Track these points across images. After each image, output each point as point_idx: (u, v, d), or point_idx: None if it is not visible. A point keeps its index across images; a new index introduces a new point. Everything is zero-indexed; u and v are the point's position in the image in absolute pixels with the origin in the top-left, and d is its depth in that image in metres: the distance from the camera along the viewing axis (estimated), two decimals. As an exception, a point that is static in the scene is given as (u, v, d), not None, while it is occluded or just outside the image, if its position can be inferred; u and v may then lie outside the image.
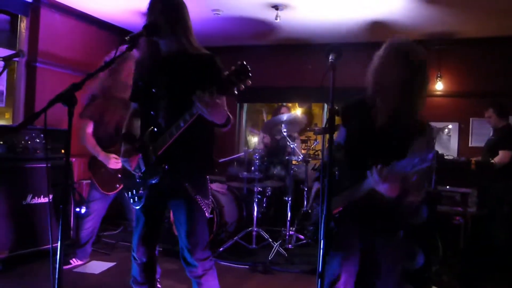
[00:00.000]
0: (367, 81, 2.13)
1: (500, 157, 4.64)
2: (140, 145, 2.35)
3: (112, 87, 3.60)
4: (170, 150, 2.23)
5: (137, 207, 2.41)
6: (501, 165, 4.59)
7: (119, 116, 3.52)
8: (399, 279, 2.17)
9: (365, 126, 2.14)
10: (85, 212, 3.93)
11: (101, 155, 3.66)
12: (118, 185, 3.73)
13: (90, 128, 3.71)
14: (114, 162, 3.64)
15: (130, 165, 2.33)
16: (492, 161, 4.67)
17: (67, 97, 1.65)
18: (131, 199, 2.43)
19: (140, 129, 2.42)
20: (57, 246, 1.71)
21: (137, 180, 2.38)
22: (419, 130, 1.98)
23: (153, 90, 2.31)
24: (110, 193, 3.79)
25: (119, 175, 3.61)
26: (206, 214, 2.35)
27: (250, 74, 1.93)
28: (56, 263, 1.73)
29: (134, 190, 2.40)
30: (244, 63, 1.93)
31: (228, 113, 2.26)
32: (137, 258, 2.44)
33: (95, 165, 3.76)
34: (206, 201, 2.35)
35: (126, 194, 2.48)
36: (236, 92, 1.97)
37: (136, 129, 2.45)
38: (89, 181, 3.99)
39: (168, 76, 2.28)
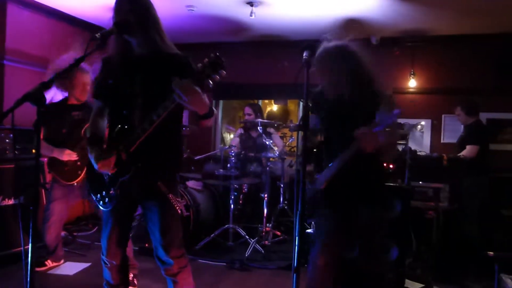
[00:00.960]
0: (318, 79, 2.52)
1: (467, 151, 4.75)
2: (109, 144, 2.28)
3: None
4: (142, 148, 2.20)
5: (107, 209, 2.34)
6: (469, 159, 4.69)
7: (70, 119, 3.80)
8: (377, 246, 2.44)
9: (332, 107, 2.48)
10: (46, 214, 3.82)
11: (55, 151, 3.71)
12: (80, 172, 3.75)
13: (41, 135, 3.77)
14: (67, 154, 3.73)
15: (108, 170, 2.23)
16: (460, 155, 4.77)
17: (35, 96, 1.61)
18: (100, 201, 2.33)
19: (108, 128, 2.37)
20: (28, 248, 1.66)
21: (106, 180, 2.31)
22: (377, 98, 2.32)
23: (125, 88, 2.26)
24: (73, 182, 3.76)
25: (78, 163, 3.75)
26: (178, 211, 2.35)
27: (224, 65, 1.95)
28: (28, 265, 1.68)
29: (103, 192, 2.31)
30: (218, 54, 1.94)
31: (212, 106, 2.25)
32: (107, 262, 2.40)
33: (53, 163, 3.76)
34: (177, 199, 2.34)
35: (93, 197, 2.37)
36: (211, 83, 1.99)
37: (101, 129, 2.39)
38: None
39: (143, 75, 2.25)
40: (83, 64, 3.47)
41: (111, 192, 2.28)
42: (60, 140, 3.74)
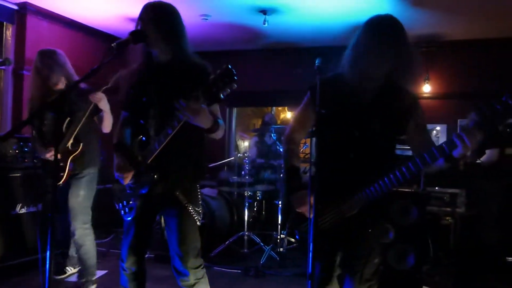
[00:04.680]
0: (346, 66, 1.99)
1: (487, 156, 4.68)
2: (129, 156, 2.30)
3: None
4: (161, 158, 2.21)
5: (128, 218, 2.37)
6: (489, 163, 4.63)
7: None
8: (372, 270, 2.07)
9: (349, 103, 1.97)
10: None
11: (43, 153, 3.43)
12: (62, 174, 3.41)
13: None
14: (49, 152, 3.39)
15: (124, 181, 2.29)
16: (479, 161, 4.71)
17: (55, 105, 1.64)
18: (122, 211, 2.38)
19: (130, 139, 2.40)
20: (47, 255, 1.68)
21: (128, 191, 2.35)
22: (409, 106, 1.95)
23: (143, 98, 2.29)
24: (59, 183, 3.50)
25: (61, 164, 3.39)
26: (198, 222, 2.34)
27: (235, 78, 1.88)
28: (47, 272, 1.71)
29: (124, 201, 2.35)
30: (229, 66, 1.88)
31: (218, 118, 2.24)
32: (125, 268, 2.41)
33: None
34: (196, 209, 2.33)
35: (116, 205, 2.42)
36: (222, 96, 1.93)
37: (127, 138, 2.42)
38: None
39: (158, 84, 2.27)
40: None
41: (131, 202, 2.32)
42: (44, 140, 3.45)
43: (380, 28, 1.92)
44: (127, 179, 2.28)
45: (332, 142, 1.95)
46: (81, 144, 3.26)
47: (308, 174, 1.84)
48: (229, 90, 1.91)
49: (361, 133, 1.96)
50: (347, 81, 1.96)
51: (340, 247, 2.00)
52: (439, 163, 1.80)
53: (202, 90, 1.94)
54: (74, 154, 3.39)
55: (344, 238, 1.99)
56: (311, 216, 1.76)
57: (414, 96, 1.99)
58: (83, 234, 3.44)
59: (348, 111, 1.95)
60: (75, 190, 3.41)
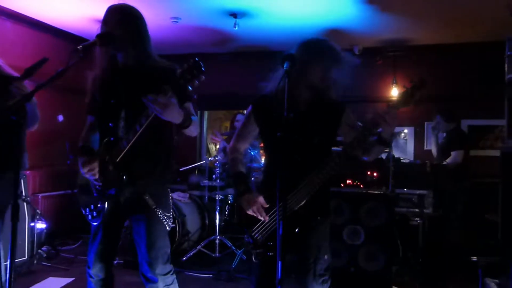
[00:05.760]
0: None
1: (453, 157, 4.80)
2: (96, 155, 2.25)
3: None
4: (129, 160, 2.17)
5: (95, 223, 2.30)
6: (454, 165, 4.75)
7: None
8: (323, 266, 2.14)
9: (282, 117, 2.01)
10: None
11: None
12: None
13: None
14: None
15: (95, 173, 2.21)
16: (445, 162, 4.83)
17: (15, 109, 1.59)
18: (89, 216, 2.31)
19: (98, 143, 2.35)
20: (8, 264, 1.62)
21: (95, 194, 2.29)
22: (337, 111, 2.19)
23: (112, 101, 2.25)
24: None
25: None
26: (167, 227, 2.30)
27: (203, 69, 1.91)
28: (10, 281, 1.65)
29: (92, 205, 2.28)
30: (196, 59, 1.91)
31: (191, 115, 2.21)
32: (92, 275, 2.35)
33: None
34: (167, 214, 2.30)
35: (83, 211, 2.34)
36: (190, 88, 1.96)
37: (93, 143, 2.37)
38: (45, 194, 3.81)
39: (127, 87, 2.23)
40: None
41: (99, 205, 2.25)
42: None
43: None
44: (96, 170, 2.20)
45: (279, 148, 2.05)
46: None
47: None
48: (197, 82, 1.94)
49: (303, 139, 2.14)
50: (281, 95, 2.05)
51: (289, 248, 2.01)
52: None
53: (170, 83, 1.96)
54: None
55: (292, 238, 2.03)
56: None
57: (340, 102, 2.22)
58: None
59: (288, 121, 1.99)
60: None
